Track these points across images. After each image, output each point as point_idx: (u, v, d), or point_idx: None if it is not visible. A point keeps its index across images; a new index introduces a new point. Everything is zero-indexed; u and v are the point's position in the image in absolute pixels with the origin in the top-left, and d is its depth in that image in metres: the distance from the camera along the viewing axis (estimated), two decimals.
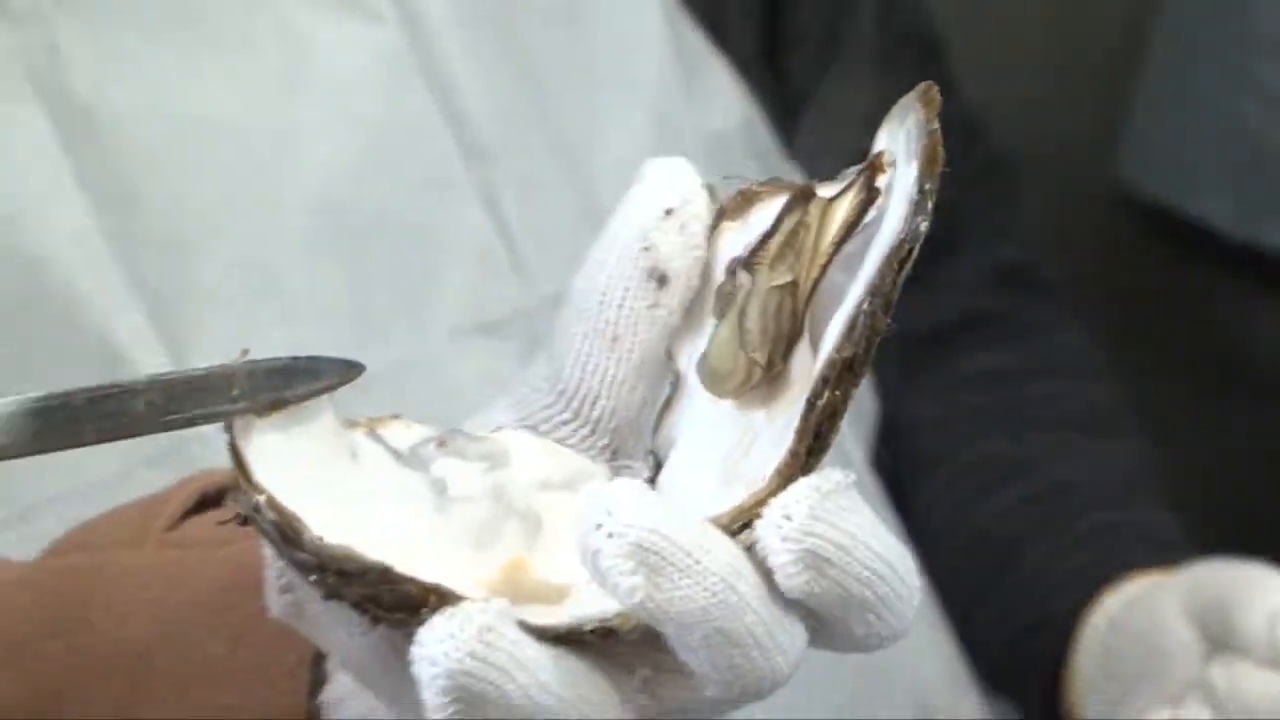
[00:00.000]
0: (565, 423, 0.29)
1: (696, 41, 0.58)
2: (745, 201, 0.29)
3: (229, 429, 0.27)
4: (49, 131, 0.47)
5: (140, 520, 0.35)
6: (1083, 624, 0.54)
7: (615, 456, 0.29)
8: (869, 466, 0.58)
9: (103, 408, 0.27)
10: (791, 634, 0.25)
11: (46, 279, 0.47)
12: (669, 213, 0.28)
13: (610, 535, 0.24)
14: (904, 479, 0.60)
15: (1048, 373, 0.63)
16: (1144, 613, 0.52)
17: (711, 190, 0.29)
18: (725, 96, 0.58)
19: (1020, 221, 0.66)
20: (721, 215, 0.29)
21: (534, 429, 0.29)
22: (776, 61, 0.60)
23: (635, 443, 0.30)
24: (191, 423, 0.27)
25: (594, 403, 0.29)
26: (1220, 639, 0.49)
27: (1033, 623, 0.56)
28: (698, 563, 0.24)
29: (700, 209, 0.28)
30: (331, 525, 0.25)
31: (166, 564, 0.33)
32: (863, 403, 0.57)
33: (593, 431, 0.29)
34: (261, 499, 0.25)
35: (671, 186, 0.28)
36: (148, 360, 0.47)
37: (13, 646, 0.35)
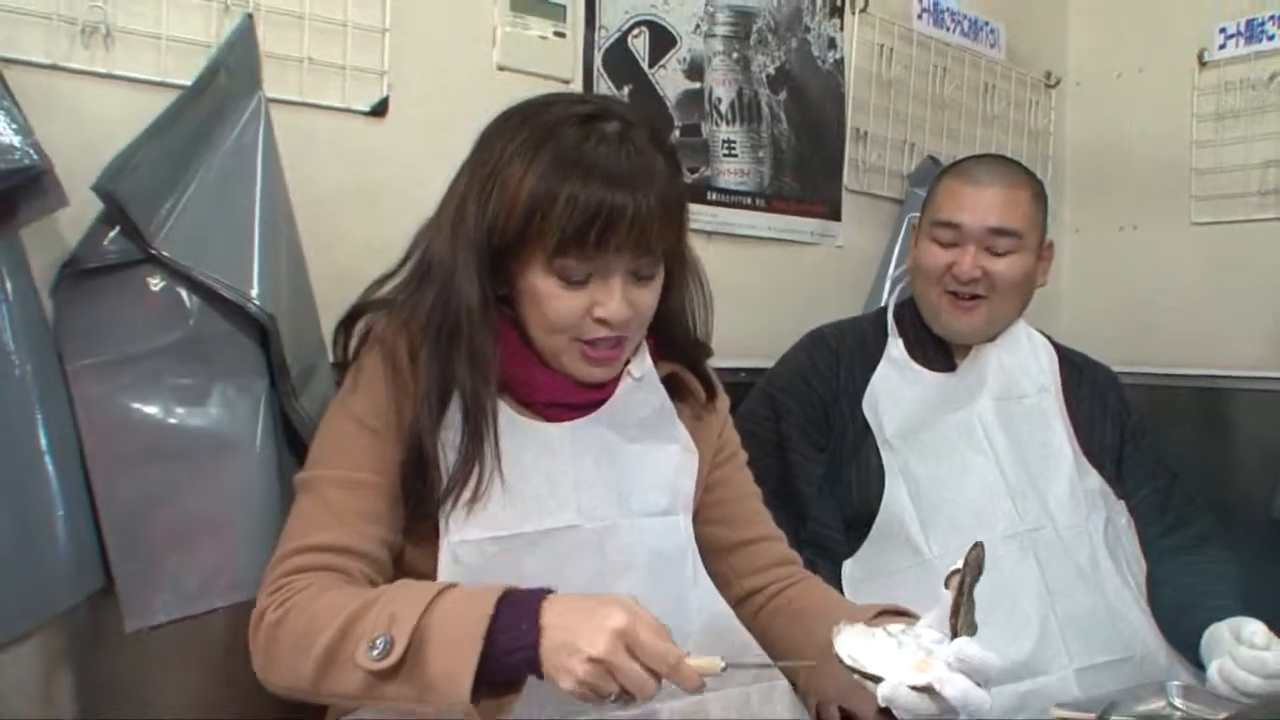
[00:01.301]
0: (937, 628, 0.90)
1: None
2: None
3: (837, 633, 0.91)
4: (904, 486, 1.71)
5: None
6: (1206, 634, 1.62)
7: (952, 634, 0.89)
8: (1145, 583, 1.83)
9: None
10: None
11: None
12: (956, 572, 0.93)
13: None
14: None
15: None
16: (1221, 630, 1.57)
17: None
18: (1093, 474, 1.79)
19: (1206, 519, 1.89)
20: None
21: (931, 627, 0.89)
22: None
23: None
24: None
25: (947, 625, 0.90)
26: (1239, 637, 1.53)
27: (1194, 632, 1.63)
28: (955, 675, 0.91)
29: (978, 567, 0.88)
30: (856, 657, 0.86)
31: None
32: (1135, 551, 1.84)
33: (944, 630, 0.89)
34: (838, 651, 0.88)
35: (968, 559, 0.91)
36: (929, 552, 1.65)
37: None
